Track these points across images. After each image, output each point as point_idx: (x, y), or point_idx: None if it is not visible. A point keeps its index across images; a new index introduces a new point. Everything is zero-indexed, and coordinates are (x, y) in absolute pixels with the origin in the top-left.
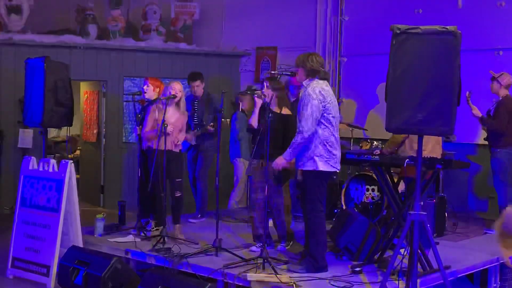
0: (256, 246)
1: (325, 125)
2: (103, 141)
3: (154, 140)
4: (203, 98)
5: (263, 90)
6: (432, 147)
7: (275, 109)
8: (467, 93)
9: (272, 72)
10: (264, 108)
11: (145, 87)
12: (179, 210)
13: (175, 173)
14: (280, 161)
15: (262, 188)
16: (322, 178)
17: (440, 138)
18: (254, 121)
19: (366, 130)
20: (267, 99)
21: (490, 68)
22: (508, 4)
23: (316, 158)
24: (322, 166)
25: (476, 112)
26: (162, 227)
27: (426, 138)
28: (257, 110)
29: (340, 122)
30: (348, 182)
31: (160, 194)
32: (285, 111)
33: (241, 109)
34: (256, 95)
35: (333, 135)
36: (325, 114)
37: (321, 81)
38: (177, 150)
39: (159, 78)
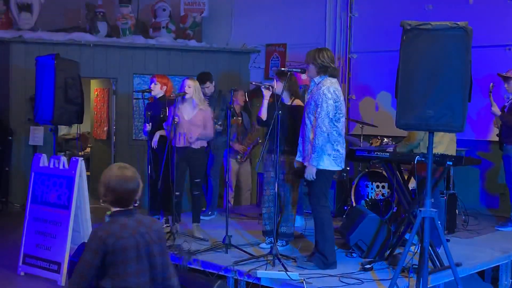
0: (266, 243)
1: (335, 125)
2: (113, 138)
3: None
4: (214, 96)
5: (272, 84)
6: (447, 145)
7: (286, 100)
8: (491, 84)
9: (282, 69)
10: (276, 99)
11: (152, 84)
12: (196, 209)
13: (194, 172)
14: (312, 170)
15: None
16: (328, 175)
17: (455, 137)
18: (263, 113)
19: (376, 126)
20: (277, 91)
21: (500, 64)
22: None
23: (324, 157)
24: (328, 165)
25: (496, 109)
26: (172, 224)
27: (439, 137)
28: (265, 102)
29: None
30: (358, 179)
31: (169, 191)
32: (297, 102)
33: (233, 106)
34: (263, 87)
35: (340, 135)
36: (336, 114)
37: (333, 80)
38: (195, 146)
39: (167, 76)
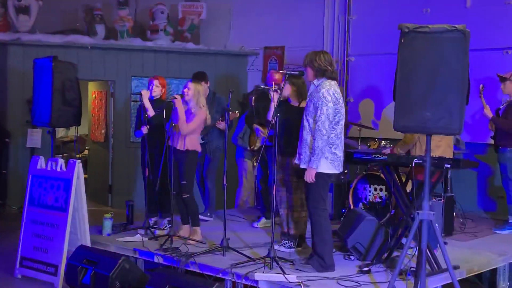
0: (280, 244)
1: (333, 127)
2: (111, 141)
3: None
4: (208, 98)
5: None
6: (443, 150)
7: (293, 102)
8: (481, 86)
9: (281, 72)
10: (281, 102)
11: (154, 86)
12: (190, 212)
13: (182, 174)
14: (311, 172)
15: (285, 185)
16: (326, 178)
17: (452, 141)
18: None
19: (374, 129)
20: (286, 94)
21: (498, 67)
22: None
23: (322, 160)
24: (326, 168)
25: (488, 112)
26: (170, 226)
27: (436, 141)
28: (273, 105)
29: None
30: (356, 181)
31: (166, 192)
32: (304, 104)
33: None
34: (271, 90)
35: (339, 137)
36: (336, 117)
37: (332, 82)
38: (180, 148)
39: (165, 78)
